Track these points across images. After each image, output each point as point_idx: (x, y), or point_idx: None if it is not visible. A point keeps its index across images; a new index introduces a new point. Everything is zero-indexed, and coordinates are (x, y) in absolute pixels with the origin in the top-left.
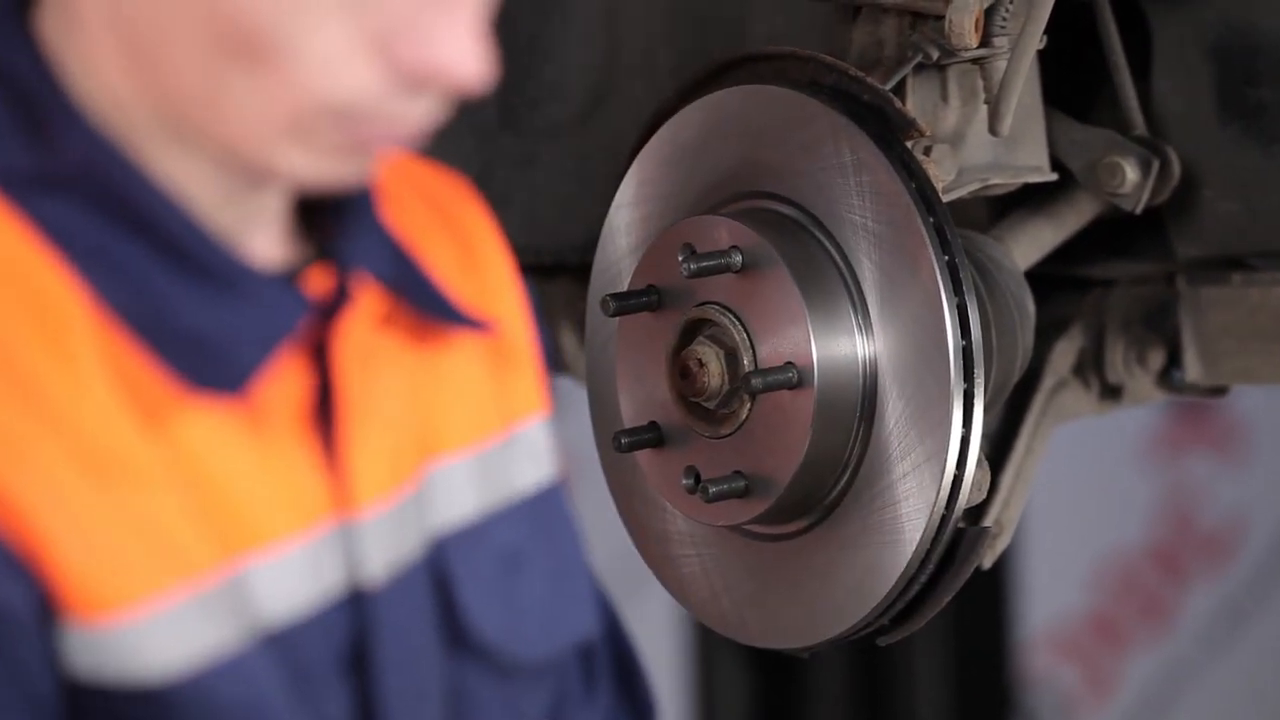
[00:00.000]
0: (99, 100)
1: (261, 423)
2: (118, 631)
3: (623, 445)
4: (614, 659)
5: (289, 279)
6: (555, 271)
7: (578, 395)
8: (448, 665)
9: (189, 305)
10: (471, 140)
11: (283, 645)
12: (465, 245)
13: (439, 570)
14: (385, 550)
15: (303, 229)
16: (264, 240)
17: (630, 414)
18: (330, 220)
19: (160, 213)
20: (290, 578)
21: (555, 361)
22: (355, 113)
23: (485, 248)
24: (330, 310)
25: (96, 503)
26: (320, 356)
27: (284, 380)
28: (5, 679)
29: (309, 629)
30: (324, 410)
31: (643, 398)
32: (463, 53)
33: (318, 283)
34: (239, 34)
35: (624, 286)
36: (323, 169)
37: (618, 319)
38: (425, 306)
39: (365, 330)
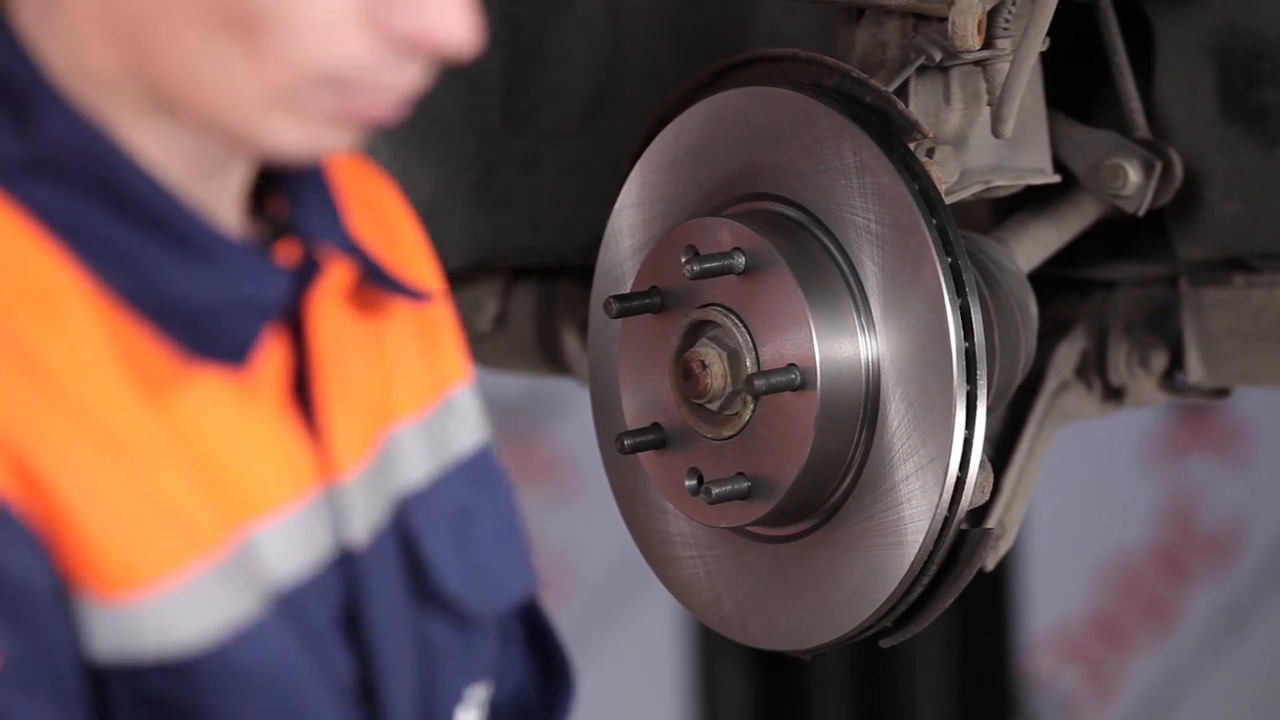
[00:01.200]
0: (77, 82)
1: (251, 393)
2: (144, 607)
3: (625, 447)
4: (522, 618)
5: (265, 253)
6: (558, 273)
7: (580, 396)
8: (415, 619)
9: (184, 281)
10: (474, 142)
11: (292, 609)
12: (382, 221)
13: (404, 529)
14: (365, 512)
15: (253, 206)
16: (228, 217)
17: (633, 415)
18: (288, 195)
19: (146, 191)
20: (290, 543)
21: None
22: (347, 81)
23: (401, 222)
24: (301, 282)
25: (113, 478)
26: (292, 326)
27: (267, 351)
28: (33, 665)
29: (309, 592)
30: (300, 378)
31: (645, 399)
32: (451, 19)
33: (286, 256)
34: (237, 5)
35: (627, 288)
36: (310, 139)
37: (620, 320)
38: (374, 278)
39: (335, 300)
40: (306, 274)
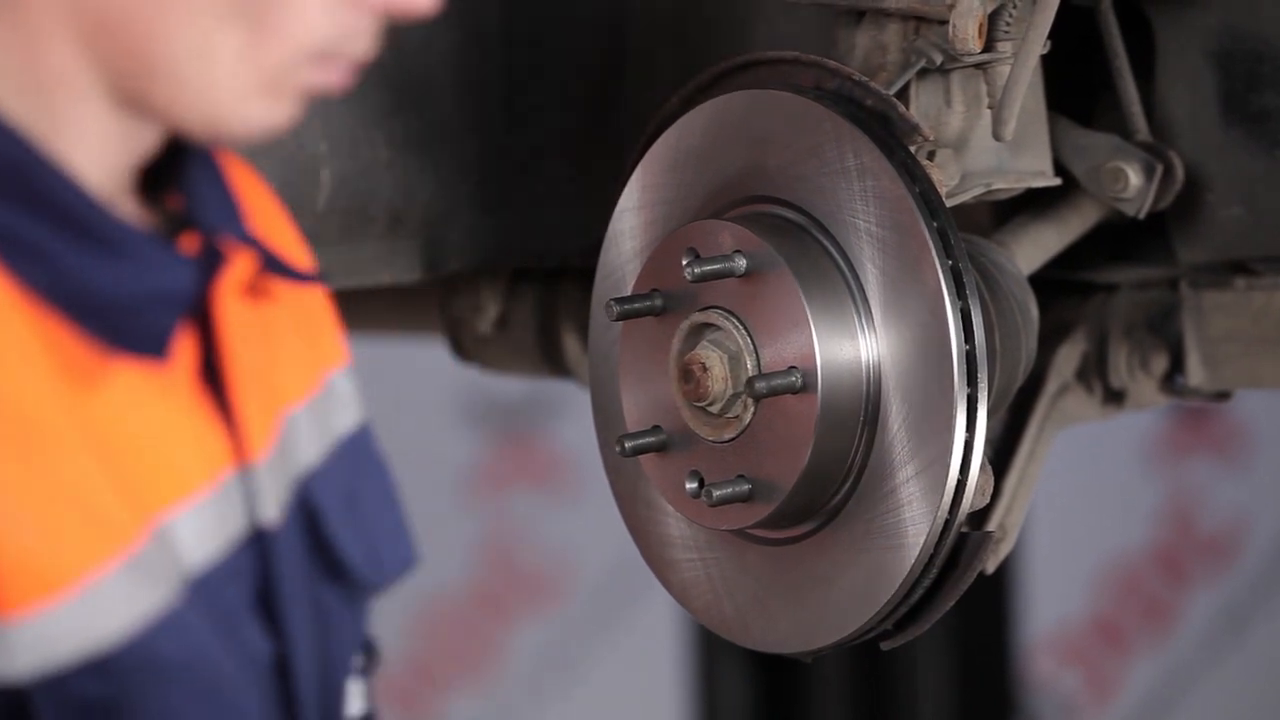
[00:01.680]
0: (15, 79)
1: (166, 383)
2: (63, 611)
3: (626, 449)
4: None
5: (172, 246)
6: (559, 275)
7: (581, 397)
8: (315, 593)
9: (100, 276)
10: (476, 144)
11: (206, 593)
12: (256, 207)
13: (307, 507)
14: (275, 492)
15: (148, 200)
16: (130, 211)
17: (634, 418)
18: (185, 189)
19: (60, 189)
20: (204, 528)
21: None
22: (326, 53)
23: (271, 208)
24: (205, 273)
25: (24, 481)
26: (198, 317)
27: (180, 340)
28: None
29: (223, 573)
30: (208, 364)
31: (646, 402)
32: None
33: (188, 248)
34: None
35: (628, 290)
36: (273, 117)
37: (621, 323)
38: (271, 266)
39: (239, 287)
40: (210, 265)
